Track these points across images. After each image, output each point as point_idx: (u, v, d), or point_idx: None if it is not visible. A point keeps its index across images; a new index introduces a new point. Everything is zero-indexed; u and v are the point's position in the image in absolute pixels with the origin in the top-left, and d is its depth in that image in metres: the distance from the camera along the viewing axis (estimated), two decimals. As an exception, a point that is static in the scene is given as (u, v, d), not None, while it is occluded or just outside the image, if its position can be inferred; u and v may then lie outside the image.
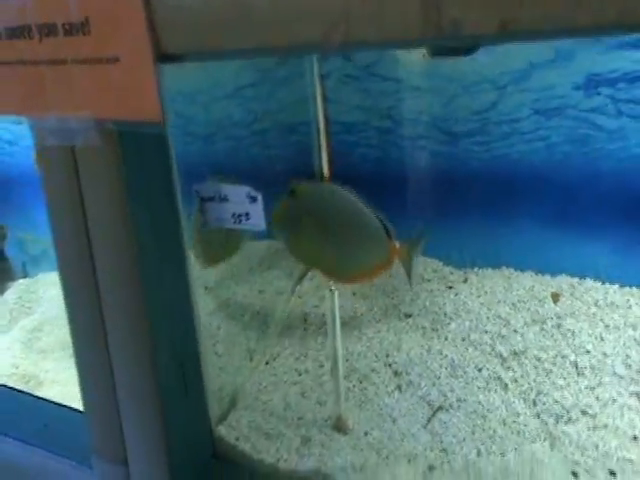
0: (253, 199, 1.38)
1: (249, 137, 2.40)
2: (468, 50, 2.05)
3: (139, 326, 1.25)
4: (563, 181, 2.00)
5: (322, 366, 1.76)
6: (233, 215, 1.39)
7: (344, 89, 2.25)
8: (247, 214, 1.38)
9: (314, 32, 0.82)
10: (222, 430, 1.54)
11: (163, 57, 0.91)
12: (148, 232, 1.23)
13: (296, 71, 1.92)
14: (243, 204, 1.38)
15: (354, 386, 1.69)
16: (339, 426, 1.57)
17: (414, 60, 2.14)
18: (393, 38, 0.80)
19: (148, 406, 1.31)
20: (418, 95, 2.26)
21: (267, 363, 1.79)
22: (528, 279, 1.99)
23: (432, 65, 2.11)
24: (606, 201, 1.93)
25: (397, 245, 1.36)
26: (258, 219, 1.37)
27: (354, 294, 2.05)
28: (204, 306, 1.91)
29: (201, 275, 2.01)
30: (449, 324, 1.86)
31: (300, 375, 1.74)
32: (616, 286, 1.89)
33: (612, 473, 1.42)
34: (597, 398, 1.56)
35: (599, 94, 1.94)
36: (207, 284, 1.98)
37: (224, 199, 1.39)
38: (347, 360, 1.76)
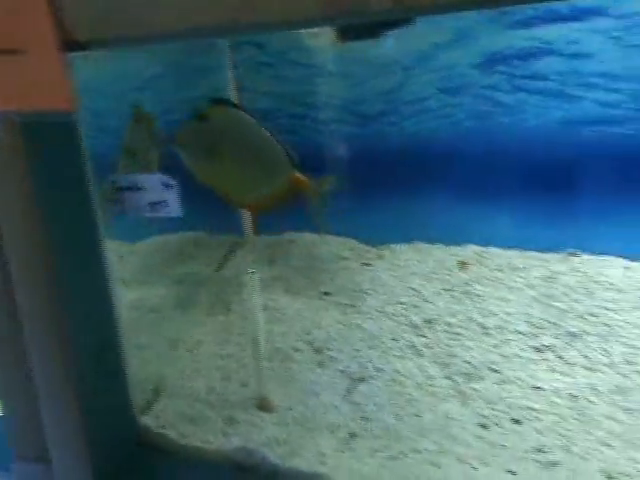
0: (168, 186, 1.40)
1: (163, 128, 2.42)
2: (374, 34, 2.13)
3: (55, 320, 1.26)
4: (467, 156, 2.11)
5: (245, 350, 1.80)
6: (150, 204, 1.41)
7: (257, 77, 2.29)
8: (163, 202, 1.40)
9: (218, 18, 0.85)
10: (147, 419, 1.57)
11: (70, 46, 0.91)
12: (60, 223, 1.23)
13: (209, 61, 1.95)
14: (159, 192, 1.40)
15: (277, 366, 1.75)
16: (263, 405, 1.62)
17: (325, 46, 2.20)
18: (295, 19, 0.84)
19: (67, 400, 1.32)
20: (330, 80, 2.32)
21: (190, 351, 1.83)
22: (438, 251, 2.09)
23: (342, 50, 2.18)
24: (507, 173, 2.04)
25: (300, 176, 1.40)
26: (175, 206, 1.39)
27: (269, 277, 2.11)
28: (124, 299, 1.92)
29: (119, 268, 2.02)
30: (366, 299, 1.94)
31: (223, 360, 1.78)
32: (517, 251, 2.02)
33: (517, 421, 1.53)
34: (502, 355, 1.67)
35: (496, 72, 2.06)
36: (125, 277, 1.99)
37: (140, 188, 1.41)
38: (269, 341, 1.81)
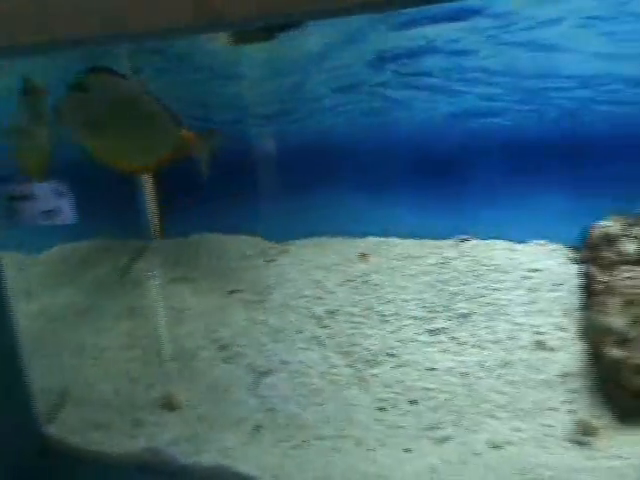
0: (60, 194, 1.39)
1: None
2: (268, 36, 2.17)
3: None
4: (363, 151, 2.18)
5: (150, 352, 1.82)
6: (43, 212, 1.40)
7: (157, 82, 2.28)
8: (57, 209, 1.39)
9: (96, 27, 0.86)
10: (52, 428, 1.57)
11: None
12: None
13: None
14: (51, 200, 1.40)
15: (183, 365, 1.77)
16: (169, 404, 1.65)
17: (221, 48, 2.22)
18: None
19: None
20: (229, 82, 2.35)
21: (96, 357, 1.83)
22: (339, 244, 2.15)
23: (239, 52, 2.21)
24: (401, 165, 2.13)
25: (187, 133, 1.43)
26: (68, 213, 1.39)
27: (174, 280, 2.12)
28: (26, 310, 1.89)
29: (21, 280, 1.98)
30: (271, 294, 1.98)
31: (129, 363, 1.79)
32: (413, 240, 2.11)
33: (413, 402, 1.62)
34: (399, 340, 1.76)
35: (386, 70, 2.14)
36: (29, 288, 1.96)
37: (32, 197, 1.40)
38: (175, 342, 1.84)
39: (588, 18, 1.82)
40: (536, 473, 1.30)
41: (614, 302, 1.47)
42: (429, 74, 2.05)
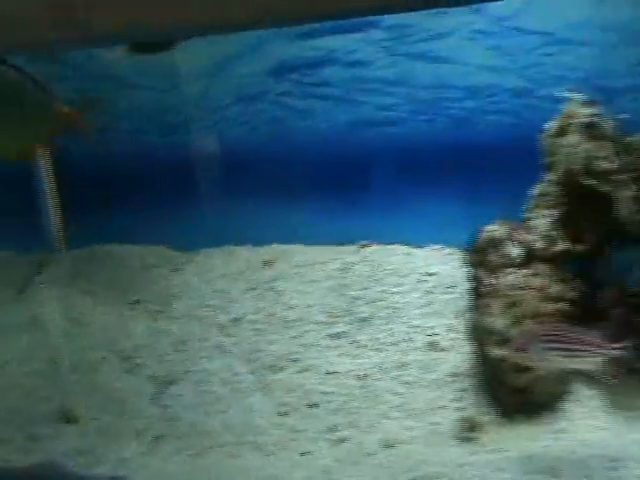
0: None
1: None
2: (162, 46, 2.15)
3: None
4: (268, 160, 2.21)
5: (50, 366, 1.78)
6: None
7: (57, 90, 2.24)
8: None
9: None
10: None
11: None
12: None
13: None
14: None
15: (83, 377, 1.75)
16: (68, 417, 1.62)
17: (120, 58, 2.19)
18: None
19: None
20: (131, 91, 2.33)
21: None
22: (246, 252, 2.18)
23: (139, 61, 2.18)
24: (305, 173, 2.17)
25: (63, 108, 1.41)
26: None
27: (76, 291, 2.08)
28: None
29: None
30: (175, 304, 1.98)
31: (28, 377, 1.75)
32: (318, 246, 2.15)
33: (312, 406, 1.66)
34: (302, 345, 1.79)
35: (288, 80, 2.18)
36: None
37: None
38: (76, 354, 1.80)
39: (475, 32, 1.92)
40: (423, 471, 1.36)
41: (497, 304, 1.56)
42: (329, 84, 2.11)
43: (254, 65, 2.15)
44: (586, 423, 1.43)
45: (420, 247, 2.03)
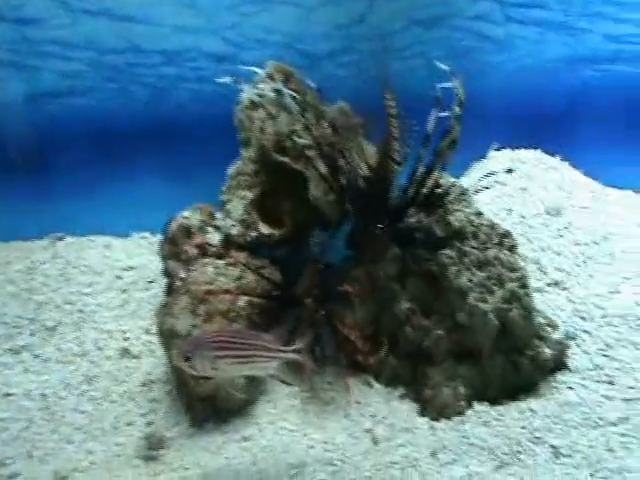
0: None
1: None
2: None
3: None
4: None
5: None
6: None
7: None
8: None
9: None
10: None
11: None
12: None
13: None
14: None
15: None
16: None
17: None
18: None
19: None
20: None
21: None
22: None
23: None
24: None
25: None
26: None
27: None
28: None
29: None
30: None
31: None
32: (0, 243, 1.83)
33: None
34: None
35: None
36: None
37: None
38: None
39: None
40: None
41: (184, 302, 1.37)
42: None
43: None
44: (275, 426, 1.31)
45: (125, 237, 1.78)
